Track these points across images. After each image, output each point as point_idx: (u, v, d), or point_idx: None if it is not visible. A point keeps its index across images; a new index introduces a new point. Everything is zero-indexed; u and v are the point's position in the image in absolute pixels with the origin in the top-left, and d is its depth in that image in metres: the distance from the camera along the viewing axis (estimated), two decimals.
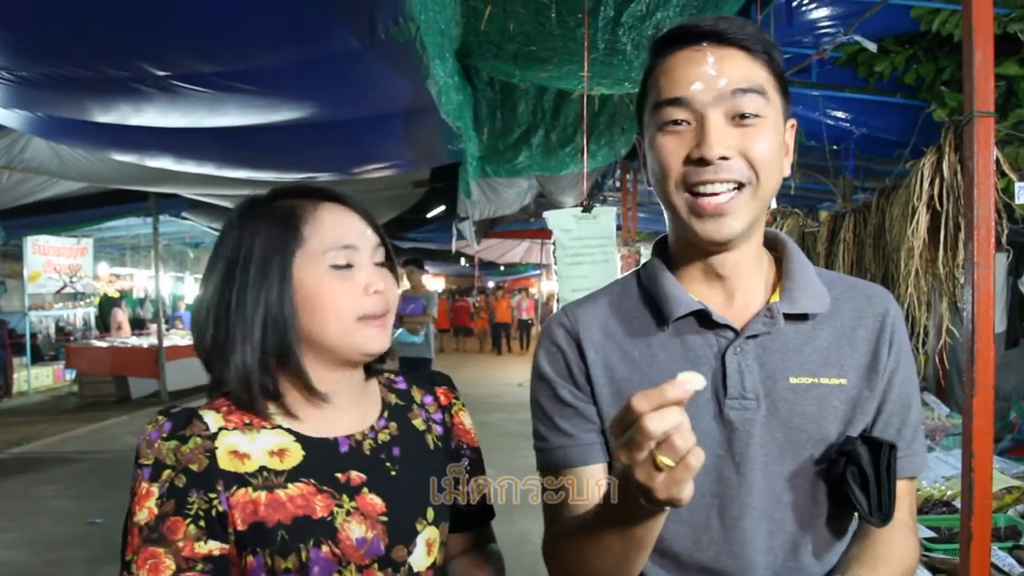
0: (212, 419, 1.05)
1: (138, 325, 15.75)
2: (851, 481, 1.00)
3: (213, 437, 1.03)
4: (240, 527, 1.00)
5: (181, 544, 0.97)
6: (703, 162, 1.00)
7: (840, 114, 4.95)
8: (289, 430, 1.08)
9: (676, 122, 1.03)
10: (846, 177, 4.21)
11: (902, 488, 1.07)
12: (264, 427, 1.07)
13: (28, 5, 2.94)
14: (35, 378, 12.79)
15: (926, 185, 2.18)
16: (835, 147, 5.22)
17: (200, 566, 0.98)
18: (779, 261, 1.15)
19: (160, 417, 1.03)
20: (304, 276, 1.06)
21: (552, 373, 1.14)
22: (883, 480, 0.99)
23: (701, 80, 1.01)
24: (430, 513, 1.14)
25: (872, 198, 2.85)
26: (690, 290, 1.11)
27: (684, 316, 1.09)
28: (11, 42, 3.21)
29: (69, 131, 5.10)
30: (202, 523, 0.99)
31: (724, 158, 1.00)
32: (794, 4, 3.86)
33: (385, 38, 3.10)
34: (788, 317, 1.08)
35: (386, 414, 1.18)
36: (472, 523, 1.27)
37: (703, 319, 1.09)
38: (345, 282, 1.07)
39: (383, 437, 1.15)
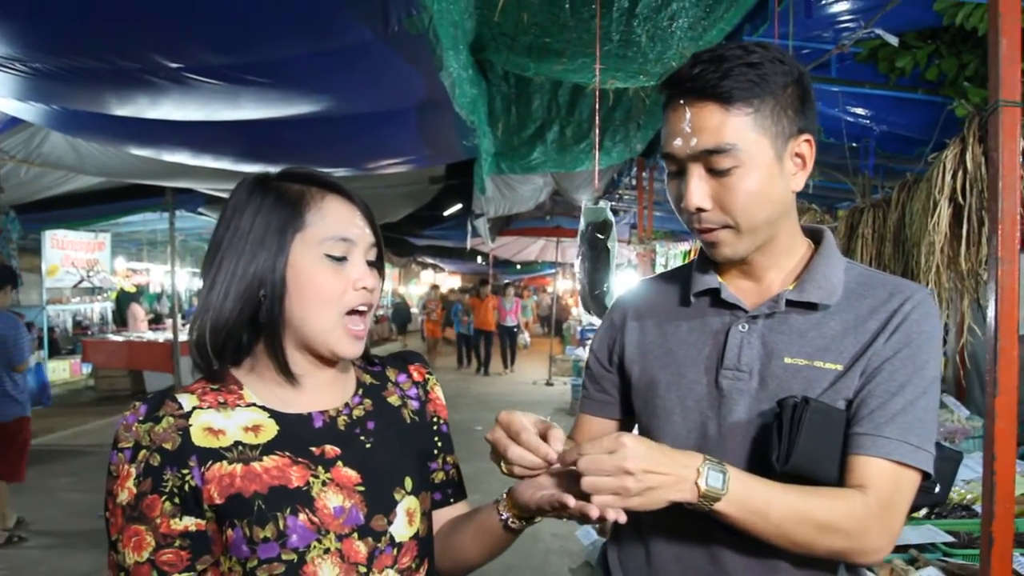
0: (186, 400, 1.07)
1: (155, 320, 15.82)
2: (774, 430, 1.12)
3: (187, 416, 1.05)
4: (218, 500, 1.02)
5: (159, 521, 1.00)
6: (687, 211, 1.18)
7: (860, 111, 4.87)
8: (263, 407, 1.10)
9: (671, 173, 1.20)
10: (866, 175, 4.13)
11: (869, 467, 1.10)
12: (239, 405, 1.09)
13: None
14: (52, 372, 12.74)
15: (948, 178, 2.11)
16: (855, 144, 5.14)
17: (178, 543, 1.01)
18: (814, 253, 1.27)
19: (136, 403, 1.06)
20: (299, 259, 1.09)
21: (595, 342, 1.44)
22: (792, 431, 1.09)
23: (680, 137, 1.14)
24: (408, 483, 1.17)
25: (892, 193, 2.78)
26: (725, 275, 1.28)
27: (703, 293, 1.28)
28: (20, 32, 3.21)
29: (86, 125, 5.11)
30: (176, 500, 1.01)
31: (701, 209, 1.16)
32: None
33: (399, 30, 3.07)
34: (793, 304, 1.21)
35: (360, 391, 1.22)
36: (461, 494, 1.34)
37: (718, 298, 1.26)
38: (336, 274, 1.11)
39: (357, 413, 1.18)
